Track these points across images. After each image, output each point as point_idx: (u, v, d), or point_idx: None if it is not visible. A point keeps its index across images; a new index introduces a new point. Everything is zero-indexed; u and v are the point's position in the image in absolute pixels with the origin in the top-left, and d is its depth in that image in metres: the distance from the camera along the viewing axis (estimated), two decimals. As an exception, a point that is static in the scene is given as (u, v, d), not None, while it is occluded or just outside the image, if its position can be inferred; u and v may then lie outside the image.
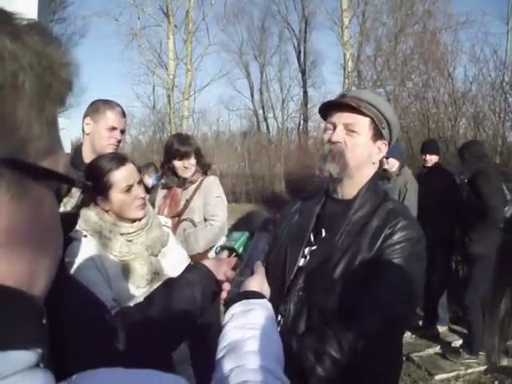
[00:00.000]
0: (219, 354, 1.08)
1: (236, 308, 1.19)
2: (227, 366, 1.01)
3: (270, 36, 29.17)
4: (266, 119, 28.30)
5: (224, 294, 1.37)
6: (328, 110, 1.76)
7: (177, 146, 3.60)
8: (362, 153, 1.68)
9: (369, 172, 1.73)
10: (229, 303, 1.25)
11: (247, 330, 1.10)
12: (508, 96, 9.63)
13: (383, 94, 14.08)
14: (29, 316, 0.50)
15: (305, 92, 25.54)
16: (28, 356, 0.47)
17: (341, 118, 1.68)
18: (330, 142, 1.70)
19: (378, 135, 1.70)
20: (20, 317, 0.48)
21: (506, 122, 9.66)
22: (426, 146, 5.73)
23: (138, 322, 1.20)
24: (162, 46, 21.06)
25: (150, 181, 6.17)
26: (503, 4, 15.94)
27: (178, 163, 3.63)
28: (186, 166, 3.61)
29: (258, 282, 1.30)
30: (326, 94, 23.95)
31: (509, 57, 11.99)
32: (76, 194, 2.18)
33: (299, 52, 26.64)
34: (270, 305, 1.23)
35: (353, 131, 1.66)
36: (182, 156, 3.60)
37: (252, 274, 1.35)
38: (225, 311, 1.25)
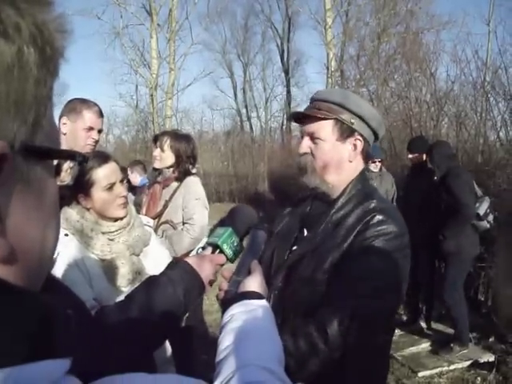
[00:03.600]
0: (220, 356, 1.07)
1: (235, 309, 1.18)
2: (229, 367, 1.00)
3: (253, 35, 29.36)
4: (249, 119, 28.42)
5: (221, 294, 1.35)
6: (298, 118, 1.77)
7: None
8: (330, 158, 1.66)
9: (350, 171, 1.69)
10: (227, 303, 1.24)
11: (248, 331, 1.10)
12: (489, 96, 9.72)
13: (366, 93, 14.14)
14: (62, 322, 0.48)
15: (288, 91, 25.63)
16: (63, 364, 0.45)
17: (305, 127, 1.70)
18: (299, 154, 1.71)
19: (346, 133, 1.65)
20: (55, 324, 0.46)
21: (487, 121, 9.75)
22: (410, 145, 5.65)
23: (119, 322, 1.18)
24: (145, 45, 20.92)
25: (137, 179, 6.03)
26: (485, 5, 16.14)
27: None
28: (154, 155, 3.64)
29: (256, 281, 1.29)
30: (309, 93, 23.89)
31: (490, 57, 12.11)
32: (66, 177, 2.14)
33: (282, 51, 26.76)
34: (268, 305, 1.23)
35: (317, 138, 1.66)
36: (155, 143, 3.65)
37: (249, 273, 1.34)
38: (222, 311, 1.24)
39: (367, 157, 1.73)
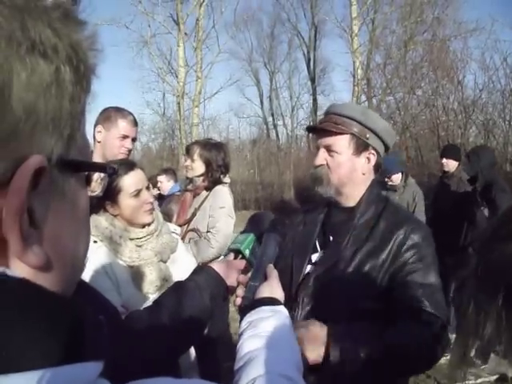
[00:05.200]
0: (239, 363, 1.07)
1: (253, 315, 1.18)
2: (248, 375, 1.00)
3: (279, 43, 29.30)
4: (275, 127, 28.38)
5: (238, 301, 1.36)
6: (314, 131, 1.86)
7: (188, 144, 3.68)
8: (345, 170, 1.72)
9: (362, 182, 1.77)
10: (245, 310, 1.24)
11: (266, 338, 1.09)
12: (518, 104, 9.58)
13: (393, 101, 14.06)
14: (94, 327, 0.49)
15: (314, 99, 25.51)
16: (96, 367, 0.46)
17: (322, 140, 1.76)
18: (315, 165, 1.77)
19: (361, 147, 1.73)
20: (92, 326, 0.48)
21: (516, 129, 9.60)
22: (445, 150, 5.49)
23: (147, 326, 1.20)
24: (173, 54, 21.14)
25: (170, 186, 5.89)
26: (513, 12, 15.88)
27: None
28: (186, 165, 3.65)
29: (273, 287, 1.29)
30: (335, 101, 23.87)
31: (519, 64, 11.91)
32: (97, 187, 2.18)
33: (309, 59, 26.67)
34: (286, 311, 1.22)
35: (333, 151, 1.72)
36: (187, 153, 3.66)
37: (265, 278, 1.34)
38: (240, 318, 1.24)
39: (378, 168, 1.80)
